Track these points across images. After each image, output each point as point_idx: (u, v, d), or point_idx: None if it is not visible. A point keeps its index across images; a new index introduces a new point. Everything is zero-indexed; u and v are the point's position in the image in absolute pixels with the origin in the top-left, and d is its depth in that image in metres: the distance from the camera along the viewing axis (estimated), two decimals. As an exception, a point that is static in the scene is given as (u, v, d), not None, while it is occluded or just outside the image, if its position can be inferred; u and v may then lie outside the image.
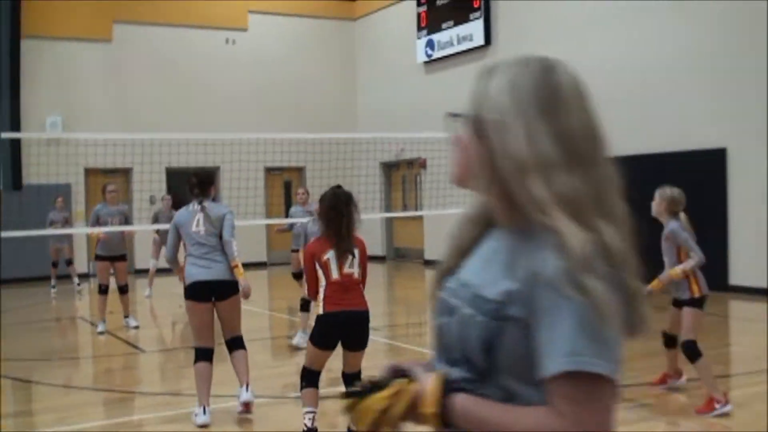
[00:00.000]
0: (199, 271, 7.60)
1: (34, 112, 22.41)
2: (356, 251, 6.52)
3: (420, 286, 20.12)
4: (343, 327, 6.41)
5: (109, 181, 15.04)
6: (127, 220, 13.34)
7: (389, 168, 25.40)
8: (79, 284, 19.10)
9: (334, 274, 6.38)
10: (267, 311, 15.35)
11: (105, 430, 7.73)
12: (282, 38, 25.66)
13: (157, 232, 17.16)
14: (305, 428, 6.46)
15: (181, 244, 7.83)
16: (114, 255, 13.14)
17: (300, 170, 25.01)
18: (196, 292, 7.61)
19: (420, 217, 23.22)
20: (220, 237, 7.73)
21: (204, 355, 7.60)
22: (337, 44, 26.50)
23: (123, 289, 13.24)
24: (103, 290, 13.11)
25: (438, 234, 22.77)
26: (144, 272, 19.53)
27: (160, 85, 23.88)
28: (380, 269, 23.40)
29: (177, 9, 24.27)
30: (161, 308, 16.17)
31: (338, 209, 6.41)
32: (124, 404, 8.79)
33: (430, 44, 23.11)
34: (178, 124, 22.15)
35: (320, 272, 6.38)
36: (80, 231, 18.89)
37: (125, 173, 23.22)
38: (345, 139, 21.65)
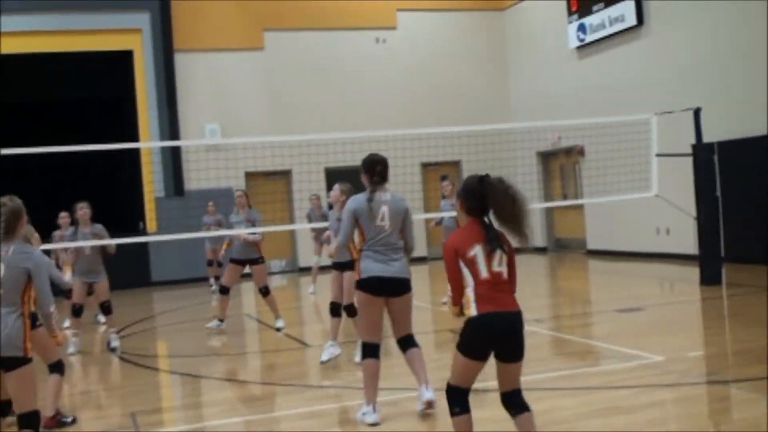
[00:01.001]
0: (378, 267, 7.37)
1: (192, 121, 23.09)
2: (505, 248, 5.45)
3: (583, 276, 19.64)
4: (499, 332, 5.38)
5: (239, 187, 15.25)
6: (254, 224, 13.43)
7: (546, 157, 24.91)
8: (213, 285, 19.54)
9: (483, 273, 5.38)
10: (429, 305, 15.24)
11: (270, 422, 7.76)
12: (432, 34, 25.55)
13: (314, 230, 17.36)
14: None
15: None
16: (247, 258, 13.31)
17: (456, 164, 24.83)
18: (373, 287, 7.37)
19: (580, 206, 22.67)
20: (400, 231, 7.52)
21: (373, 351, 7.41)
22: (486, 36, 26.17)
23: (263, 291, 13.34)
24: (224, 291, 13.40)
25: (600, 222, 22.18)
26: (309, 270, 19.74)
27: (313, 88, 24.14)
28: (542, 260, 22.97)
29: (325, 12, 24.51)
30: (325, 304, 16.27)
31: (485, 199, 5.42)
32: (289, 397, 8.79)
33: (581, 28, 22.51)
34: (332, 125, 22.35)
35: (466, 270, 5.39)
36: (225, 233, 19.20)
37: (285, 175, 23.59)
38: (500, 131, 21.29)
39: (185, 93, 23.14)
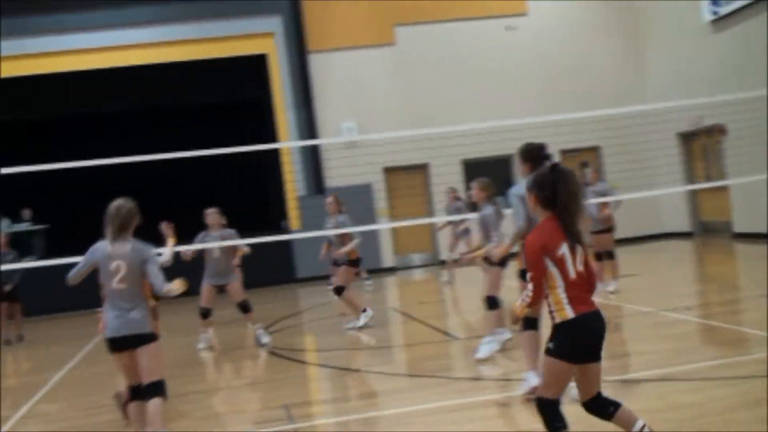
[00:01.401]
0: None
1: (329, 120, 23.49)
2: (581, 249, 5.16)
3: (730, 261, 19.08)
4: (597, 332, 5.13)
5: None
6: (344, 225, 13.58)
7: (687, 138, 24.26)
8: (368, 279, 19.73)
9: (571, 273, 5.10)
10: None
11: (420, 414, 7.87)
12: (563, 18, 25.22)
13: (450, 223, 17.43)
14: None
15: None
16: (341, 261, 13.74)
17: (595, 150, 24.50)
18: None
19: (725, 188, 22.01)
20: None
21: (532, 323, 7.70)
22: (617, 18, 25.61)
23: (338, 291, 13.57)
24: (339, 291, 13.59)
25: (748, 204, 21.47)
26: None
27: (445, 80, 24.21)
28: (687, 246, 22.46)
29: (454, 4, 24.51)
30: (464, 296, 16.34)
31: (577, 191, 5.20)
32: (437, 389, 8.87)
33: (715, 1, 21.83)
34: (467, 116, 22.32)
35: (554, 270, 5.09)
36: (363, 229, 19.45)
37: (423, 169, 23.74)
38: (637, 113, 20.86)
39: (320, 92, 23.58)
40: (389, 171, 23.30)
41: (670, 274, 17.65)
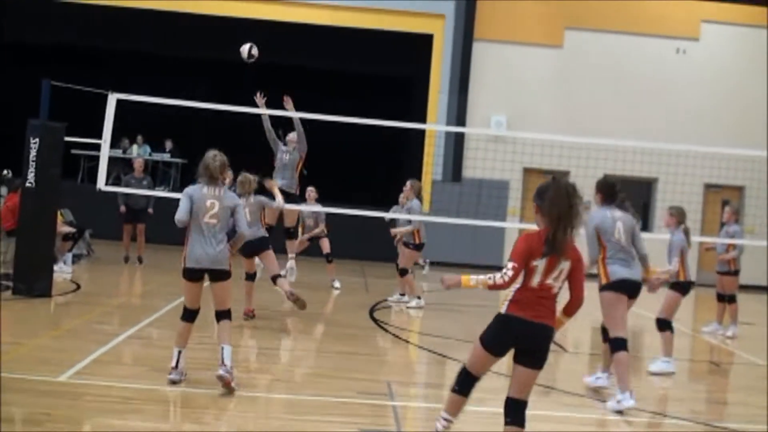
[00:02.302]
0: (624, 270, 8.47)
1: (479, 110, 23.45)
2: (567, 264, 5.60)
3: None
4: (520, 336, 5.61)
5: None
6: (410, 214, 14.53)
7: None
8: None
9: (534, 281, 5.58)
10: (690, 331, 14.76)
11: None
12: (736, 49, 24.40)
13: None
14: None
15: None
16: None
17: (740, 189, 23.80)
18: (623, 287, 8.47)
19: None
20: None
21: (622, 344, 8.37)
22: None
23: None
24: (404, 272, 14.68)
25: None
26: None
27: (605, 91, 23.83)
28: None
29: (628, 16, 24.04)
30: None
31: (569, 204, 5.57)
32: (540, 398, 8.83)
33: None
34: (619, 130, 21.94)
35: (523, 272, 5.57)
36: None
37: (563, 176, 23.43)
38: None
39: (477, 81, 23.54)
40: (529, 171, 23.11)
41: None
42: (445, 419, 5.95)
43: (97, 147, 14.01)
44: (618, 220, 8.53)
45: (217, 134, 16.25)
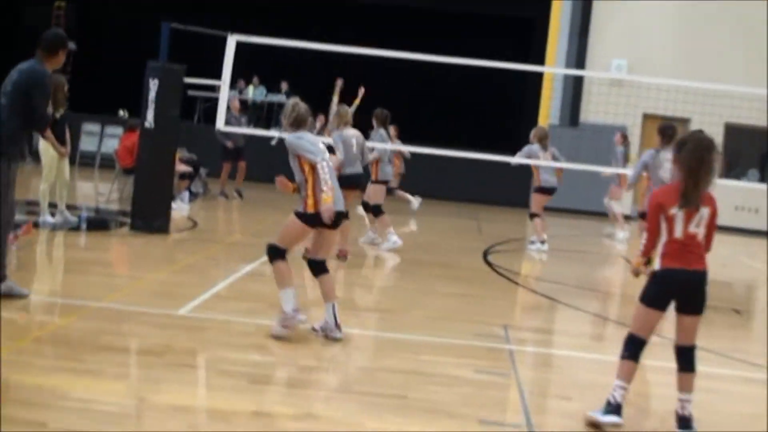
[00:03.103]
0: None
1: (600, 54, 22.89)
2: (706, 210, 5.63)
3: None
4: (679, 286, 5.67)
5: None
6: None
7: None
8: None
9: (678, 232, 5.62)
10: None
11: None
12: None
13: None
14: (611, 401, 5.70)
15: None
16: None
17: None
18: None
19: None
20: None
21: None
22: None
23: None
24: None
25: None
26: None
27: (729, 37, 22.92)
28: None
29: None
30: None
31: (701, 158, 5.54)
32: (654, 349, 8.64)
33: None
34: (742, 77, 21.11)
35: (663, 226, 5.65)
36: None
37: (682, 123, 22.82)
38: None
39: (599, 24, 22.96)
40: (648, 118, 22.50)
41: None
42: (621, 387, 5.77)
43: (213, 88, 14.18)
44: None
45: (331, 76, 16.32)
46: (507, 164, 15.36)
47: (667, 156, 9.30)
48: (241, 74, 23.01)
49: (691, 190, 5.55)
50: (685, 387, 5.70)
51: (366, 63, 15.83)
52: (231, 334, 7.22)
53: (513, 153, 14.79)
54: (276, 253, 7.27)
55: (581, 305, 10.29)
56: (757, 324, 10.97)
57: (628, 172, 13.90)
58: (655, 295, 5.76)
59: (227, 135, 17.39)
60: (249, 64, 21.24)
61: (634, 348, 5.80)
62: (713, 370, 7.50)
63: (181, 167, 15.62)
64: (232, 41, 13.11)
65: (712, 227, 5.74)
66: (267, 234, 13.96)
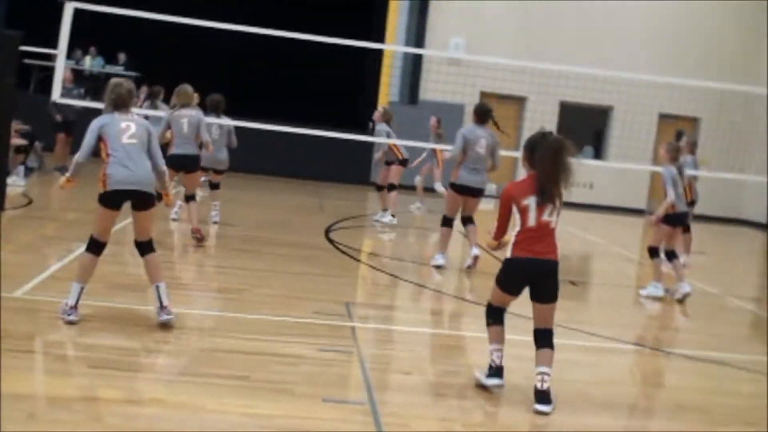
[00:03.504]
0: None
1: (439, 32, 23.24)
2: (558, 201, 6.05)
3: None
4: (529, 275, 6.09)
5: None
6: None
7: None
8: None
9: (531, 221, 6.03)
10: (638, 258, 15.04)
11: (476, 340, 7.99)
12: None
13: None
14: (492, 365, 6.21)
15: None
16: None
17: (695, 121, 24.00)
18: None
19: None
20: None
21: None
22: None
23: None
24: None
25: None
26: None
27: (565, 16, 23.66)
28: (760, 238, 22.04)
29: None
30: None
31: (556, 160, 5.94)
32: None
33: None
34: (578, 58, 21.88)
35: (517, 216, 6.08)
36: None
37: (519, 102, 23.49)
38: (749, 92, 20.25)
39: (438, 2, 23.24)
40: (486, 96, 23.04)
41: (739, 261, 17.45)
42: (497, 350, 6.24)
43: (50, 57, 13.71)
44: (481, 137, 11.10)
45: (172, 48, 16.02)
46: (348, 142, 15.56)
47: (482, 133, 11.13)
48: (79, 44, 22.33)
49: (549, 187, 5.96)
50: (543, 361, 6.03)
51: (207, 37, 15.57)
52: (69, 316, 7.08)
53: (356, 130, 14.97)
54: (89, 244, 7.20)
55: (421, 281, 10.55)
56: (592, 295, 11.50)
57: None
58: (507, 282, 6.21)
59: (58, 107, 16.83)
60: (88, 33, 20.59)
61: (495, 314, 6.30)
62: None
63: (17, 141, 15.09)
64: (69, 8, 12.70)
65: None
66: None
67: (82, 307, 7.09)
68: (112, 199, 7.10)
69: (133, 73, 23.98)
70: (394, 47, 22.09)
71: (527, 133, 22.18)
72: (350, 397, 5.93)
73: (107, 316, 7.16)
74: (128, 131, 7.18)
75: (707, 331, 9.54)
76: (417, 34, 22.98)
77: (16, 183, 14.62)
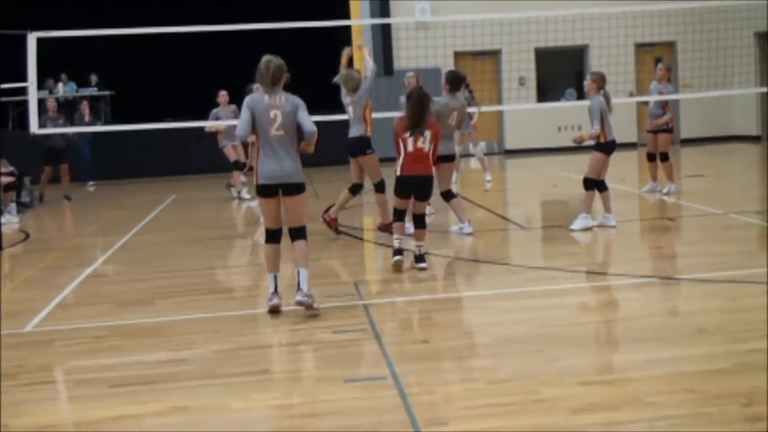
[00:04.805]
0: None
1: (403, 1, 23.10)
2: (428, 132, 9.13)
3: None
4: (412, 186, 9.26)
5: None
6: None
7: (765, 38, 23.55)
8: None
9: (410, 148, 9.14)
10: (636, 191, 15.03)
11: (492, 297, 8.01)
12: None
13: None
14: (394, 247, 9.26)
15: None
16: None
17: (671, 45, 23.92)
18: None
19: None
20: None
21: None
22: None
23: None
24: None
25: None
26: (516, 152, 19.63)
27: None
28: (755, 149, 22.02)
29: None
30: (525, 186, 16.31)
31: (421, 106, 9.06)
32: (510, 276, 8.96)
33: None
34: (547, 3, 21.76)
35: (401, 145, 9.18)
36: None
37: (494, 55, 23.41)
38: (717, 8, 20.17)
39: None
40: (460, 56, 23.01)
41: (738, 177, 17.44)
42: (398, 239, 9.33)
43: (23, 91, 13.68)
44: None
45: (141, 61, 15.93)
46: (330, 124, 15.46)
47: (455, 104, 11.16)
48: (49, 73, 22.26)
49: (415, 122, 9.06)
50: (420, 238, 9.31)
51: (171, 42, 15.46)
52: (82, 341, 7.08)
53: (337, 111, 14.84)
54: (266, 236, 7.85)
55: (433, 249, 10.53)
56: (600, 235, 11.48)
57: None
58: (400, 191, 9.33)
59: (47, 136, 16.88)
60: (57, 61, 20.53)
61: (398, 215, 9.48)
62: (559, 287, 7.88)
63: (4, 179, 15.08)
64: (32, 39, 12.66)
65: (436, 142, 9.24)
66: (103, 233, 13.72)
67: (96, 329, 7.10)
68: (262, 191, 7.50)
69: (107, 92, 23.96)
70: (360, 21, 21.97)
71: (506, 85, 22.29)
72: (372, 373, 5.93)
73: (120, 334, 7.17)
74: (276, 122, 7.31)
75: (716, 251, 9.53)
76: (381, 8, 22.84)
77: (10, 221, 14.60)
